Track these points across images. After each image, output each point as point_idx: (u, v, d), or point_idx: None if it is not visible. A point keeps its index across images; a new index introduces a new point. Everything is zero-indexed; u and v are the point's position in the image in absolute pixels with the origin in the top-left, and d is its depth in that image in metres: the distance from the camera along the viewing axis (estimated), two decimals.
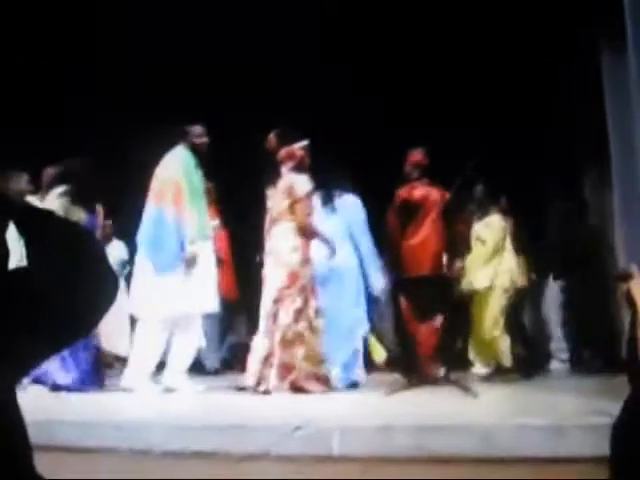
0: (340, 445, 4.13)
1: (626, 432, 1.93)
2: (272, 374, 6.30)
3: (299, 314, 6.46)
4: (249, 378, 6.41)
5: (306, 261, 6.61)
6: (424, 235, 6.95)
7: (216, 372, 8.68)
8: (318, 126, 7.10)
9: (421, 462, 4.01)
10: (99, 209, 6.95)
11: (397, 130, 8.25)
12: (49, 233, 1.67)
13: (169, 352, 6.82)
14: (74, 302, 1.62)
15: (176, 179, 6.70)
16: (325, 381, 6.45)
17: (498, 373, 7.51)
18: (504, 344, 7.68)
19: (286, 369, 6.33)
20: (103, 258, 1.75)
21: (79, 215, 6.67)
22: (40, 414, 4.31)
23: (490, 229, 7.81)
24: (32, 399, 5.39)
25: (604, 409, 3.95)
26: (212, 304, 6.85)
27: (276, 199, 6.73)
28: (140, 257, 6.81)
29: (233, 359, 8.97)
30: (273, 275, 6.57)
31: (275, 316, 6.46)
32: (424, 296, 6.89)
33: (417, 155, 7.12)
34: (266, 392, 6.21)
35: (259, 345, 6.48)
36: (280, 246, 6.58)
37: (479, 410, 5.26)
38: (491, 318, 7.68)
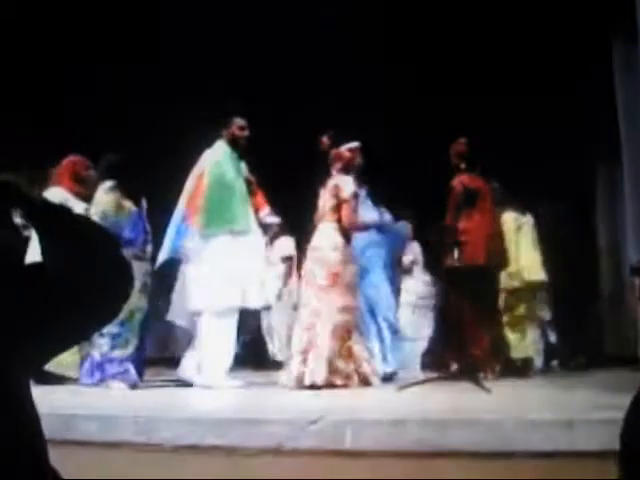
0: (353, 439, 4.12)
1: (636, 427, 1.91)
2: (317, 368, 6.32)
3: (344, 311, 6.53)
4: (290, 373, 6.45)
5: (346, 261, 6.68)
6: (480, 225, 6.99)
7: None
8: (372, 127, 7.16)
9: (433, 457, 4.00)
10: (144, 203, 6.93)
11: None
12: (60, 226, 1.67)
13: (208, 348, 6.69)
14: (88, 296, 1.62)
15: (199, 173, 6.73)
16: (368, 376, 6.52)
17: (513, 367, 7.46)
18: (530, 338, 7.69)
19: (331, 364, 6.37)
20: (116, 250, 1.74)
21: (128, 209, 6.67)
22: (65, 409, 4.35)
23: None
24: (60, 394, 5.43)
25: (615, 403, 3.93)
26: (260, 299, 6.81)
27: (323, 198, 6.89)
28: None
29: (246, 355, 8.97)
30: (314, 272, 6.64)
31: (318, 312, 6.50)
32: (478, 287, 6.94)
33: (460, 145, 7.18)
34: (313, 386, 6.23)
35: (299, 340, 6.53)
36: (322, 244, 6.68)
37: (491, 405, 5.24)
38: (522, 311, 7.69)
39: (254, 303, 6.79)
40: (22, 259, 1.69)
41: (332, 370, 6.34)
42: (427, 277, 9.07)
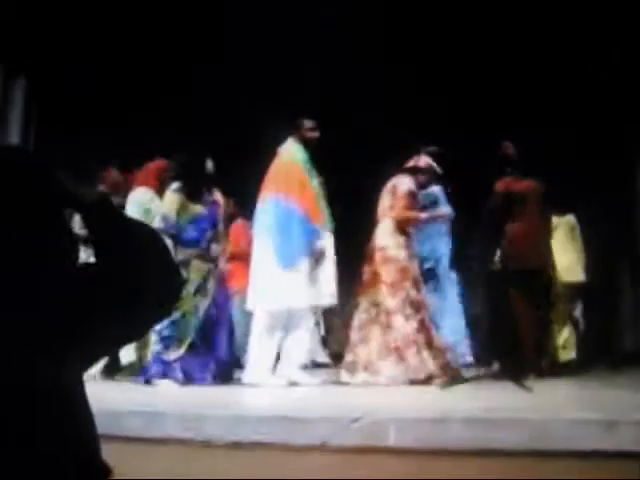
0: (396, 437, 4.13)
1: None
2: (418, 364, 6.45)
3: (420, 306, 6.67)
4: (359, 370, 6.51)
5: (411, 256, 6.82)
6: (528, 228, 6.97)
7: None
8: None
9: (476, 455, 4.00)
10: (218, 197, 7.00)
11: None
12: (110, 226, 1.69)
13: (285, 345, 6.74)
14: (137, 297, 1.65)
15: (298, 169, 6.74)
16: (450, 369, 6.64)
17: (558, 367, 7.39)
18: (569, 338, 7.66)
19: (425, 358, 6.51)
20: (164, 253, 1.76)
21: (195, 210, 6.72)
22: (108, 404, 4.40)
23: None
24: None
25: None
26: (332, 298, 6.76)
27: (383, 198, 7.02)
28: (260, 248, 6.74)
29: None
30: (383, 270, 6.68)
31: (395, 310, 6.61)
32: (528, 288, 6.95)
33: (508, 147, 7.16)
34: (414, 382, 6.35)
35: (375, 337, 6.59)
36: (387, 243, 6.80)
37: (533, 404, 5.21)
38: (560, 312, 7.65)
39: (327, 301, 6.82)
40: (74, 261, 1.72)
41: (429, 364, 6.44)
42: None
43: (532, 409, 4.82)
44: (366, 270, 6.85)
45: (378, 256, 6.75)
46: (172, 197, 6.69)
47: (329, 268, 6.69)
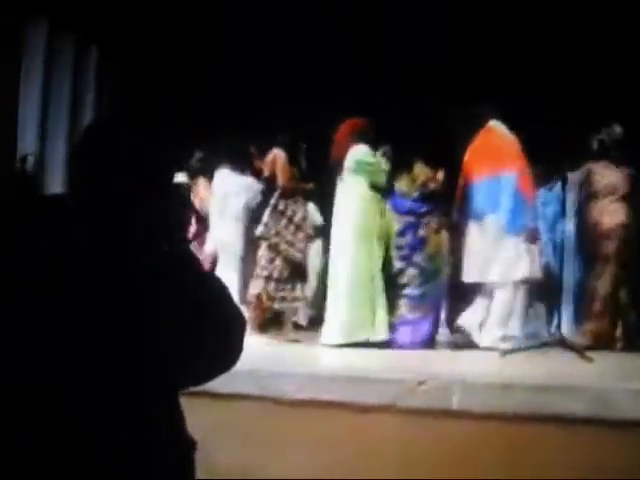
0: (460, 401, 4.09)
1: None
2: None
3: None
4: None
5: None
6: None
7: None
8: None
9: (537, 421, 3.94)
10: None
11: None
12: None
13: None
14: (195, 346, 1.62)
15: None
16: None
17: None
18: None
19: None
20: (227, 298, 1.70)
21: None
22: None
23: None
24: None
25: None
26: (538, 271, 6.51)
27: None
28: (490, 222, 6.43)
29: None
30: None
31: None
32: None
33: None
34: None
35: None
36: None
37: (594, 373, 5.11)
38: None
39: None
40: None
41: None
42: None
43: (592, 378, 4.73)
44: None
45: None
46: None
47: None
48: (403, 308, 6.39)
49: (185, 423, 1.70)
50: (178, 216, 1.73)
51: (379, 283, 6.43)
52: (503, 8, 7.92)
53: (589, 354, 5.69)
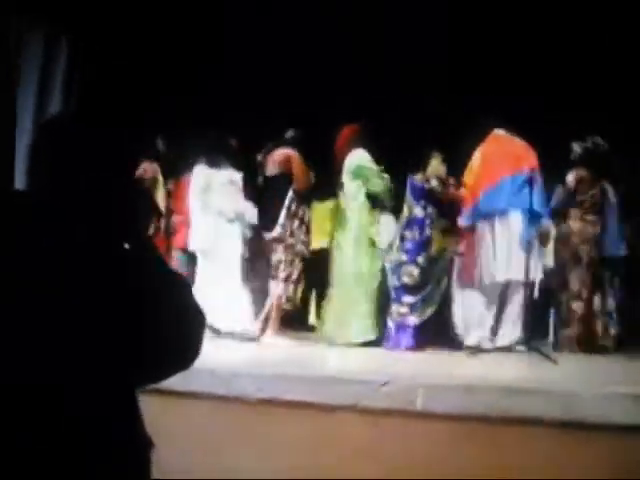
0: (424, 402, 4.06)
1: None
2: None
3: None
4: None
5: None
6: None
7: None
8: None
9: (501, 423, 3.92)
10: None
11: None
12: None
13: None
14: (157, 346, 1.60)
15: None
16: None
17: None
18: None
19: None
20: (187, 295, 1.69)
21: None
22: None
23: None
24: None
25: None
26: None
27: None
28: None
29: None
30: None
31: None
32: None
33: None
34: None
35: None
36: None
37: (559, 376, 5.10)
38: None
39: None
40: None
41: None
42: None
43: (557, 381, 4.72)
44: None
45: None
46: None
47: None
48: (402, 309, 6.40)
49: (143, 422, 1.67)
50: (137, 211, 1.71)
51: (372, 285, 6.60)
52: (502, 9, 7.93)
53: (555, 356, 5.70)
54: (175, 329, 1.61)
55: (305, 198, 6.90)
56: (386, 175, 6.78)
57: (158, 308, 1.58)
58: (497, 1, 7.84)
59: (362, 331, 6.48)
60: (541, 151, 6.55)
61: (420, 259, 6.39)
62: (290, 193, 6.74)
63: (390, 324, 6.43)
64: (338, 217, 6.85)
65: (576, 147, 6.84)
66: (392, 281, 6.46)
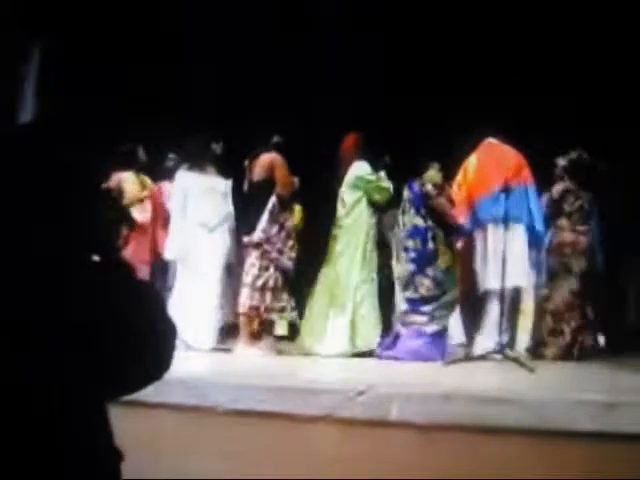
0: (398, 412, 4.04)
1: None
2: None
3: None
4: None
5: None
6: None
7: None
8: None
9: (476, 432, 3.90)
10: None
11: None
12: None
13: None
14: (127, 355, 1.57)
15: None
16: None
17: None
18: None
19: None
20: (158, 306, 1.67)
21: None
22: None
23: None
24: None
25: None
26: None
27: None
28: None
29: None
30: None
31: None
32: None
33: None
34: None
35: None
36: None
37: (535, 384, 5.10)
38: None
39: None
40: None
41: None
42: None
43: (533, 389, 4.72)
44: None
45: None
46: None
47: None
48: (413, 318, 6.39)
49: (112, 433, 1.63)
50: (105, 222, 1.69)
51: (368, 293, 6.67)
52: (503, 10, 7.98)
53: (532, 365, 5.70)
54: (145, 341, 1.58)
55: (288, 204, 6.84)
56: (388, 184, 6.81)
57: (127, 320, 1.55)
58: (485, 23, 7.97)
59: (339, 344, 6.45)
60: (530, 161, 6.65)
61: (430, 271, 6.38)
62: (273, 198, 6.67)
63: (403, 332, 6.41)
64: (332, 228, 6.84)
65: (561, 161, 6.90)
66: (405, 292, 6.44)
